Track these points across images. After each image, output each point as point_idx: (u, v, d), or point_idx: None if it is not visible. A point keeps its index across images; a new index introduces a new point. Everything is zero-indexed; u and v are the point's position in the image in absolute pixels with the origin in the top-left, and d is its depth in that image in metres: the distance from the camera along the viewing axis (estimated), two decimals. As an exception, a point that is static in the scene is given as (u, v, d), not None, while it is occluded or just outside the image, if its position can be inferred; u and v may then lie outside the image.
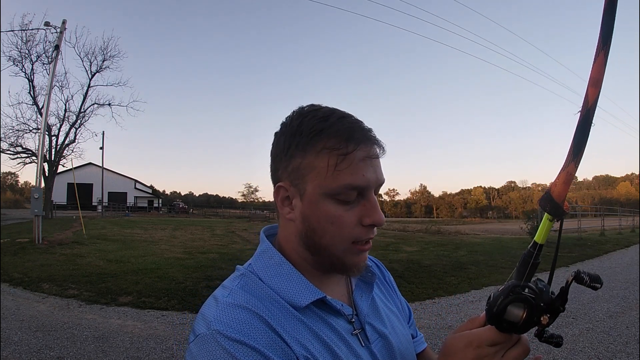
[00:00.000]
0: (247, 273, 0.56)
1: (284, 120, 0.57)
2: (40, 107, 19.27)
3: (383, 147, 0.55)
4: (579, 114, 0.49)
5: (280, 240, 0.59)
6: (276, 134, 0.58)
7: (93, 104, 22.74)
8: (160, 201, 56.25)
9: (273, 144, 0.58)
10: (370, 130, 0.55)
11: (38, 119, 20.36)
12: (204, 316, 0.50)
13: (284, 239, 0.59)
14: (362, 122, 0.55)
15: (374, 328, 0.60)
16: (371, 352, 0.57)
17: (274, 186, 0.57)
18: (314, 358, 0.49)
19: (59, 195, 34.95)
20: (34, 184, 11.11)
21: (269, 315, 0.49)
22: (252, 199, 68.46)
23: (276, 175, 0.57)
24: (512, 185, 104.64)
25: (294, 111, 0.57)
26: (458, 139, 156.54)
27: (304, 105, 0.58)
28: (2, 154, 20.46)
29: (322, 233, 0.53)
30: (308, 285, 0.54)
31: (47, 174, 20.94)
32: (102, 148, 29.31)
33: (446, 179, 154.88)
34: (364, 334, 0.58)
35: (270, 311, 0.50)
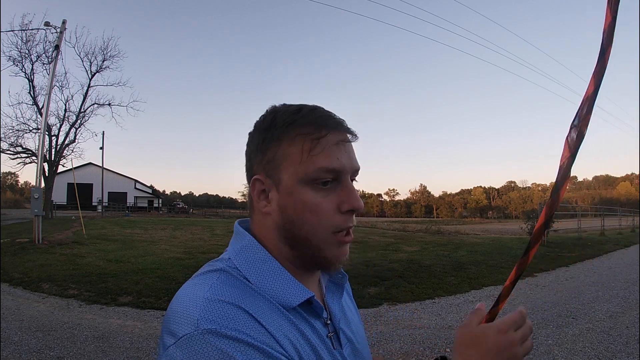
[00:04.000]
0: (228, 269, 0.52)
1: (257, 120, 0.57)
2: (40, 107, 19.17)
3: (355, 134, 0.55)
4: None
5: (257, 236, 0.56)
6: (250, 133, 0.58)
7: (93, 104, 22.59)
8: (160, 201, 56.23)
9: (247, 143, 0.58)
10: (342, 120, 0.55)
11: (38, 119, 20.26)
12: (186, 315, 0.45)
13: (261, 234, 0.55)
14: (333, 113, 0.56)
15: (344, 332, 0.59)
16: (342, 356, 0.56)
17: (249, 182, 0.56)
18: (301, 359, 0.48)
19: (59, 195, 34.94)
20: (34, 184, 11.10)
21: (258, 313, 0.46)
22: (252, 199, 68.22)
23: (251, 171, 0.56)
24: (512, 185, 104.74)
25: (266, 110, 0.57)
26: (458, 139, 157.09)
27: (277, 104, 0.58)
28: (2, 154, 20.37)
29: (301, 224, 0.51)
30: (297, 285, 0.52)
31: (47, 174, 20.86)
32: (102, 148, 29.29)
33: (446, 179, 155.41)
34: (336, 337, 0.57)
35: (258, 308, 0.47)
